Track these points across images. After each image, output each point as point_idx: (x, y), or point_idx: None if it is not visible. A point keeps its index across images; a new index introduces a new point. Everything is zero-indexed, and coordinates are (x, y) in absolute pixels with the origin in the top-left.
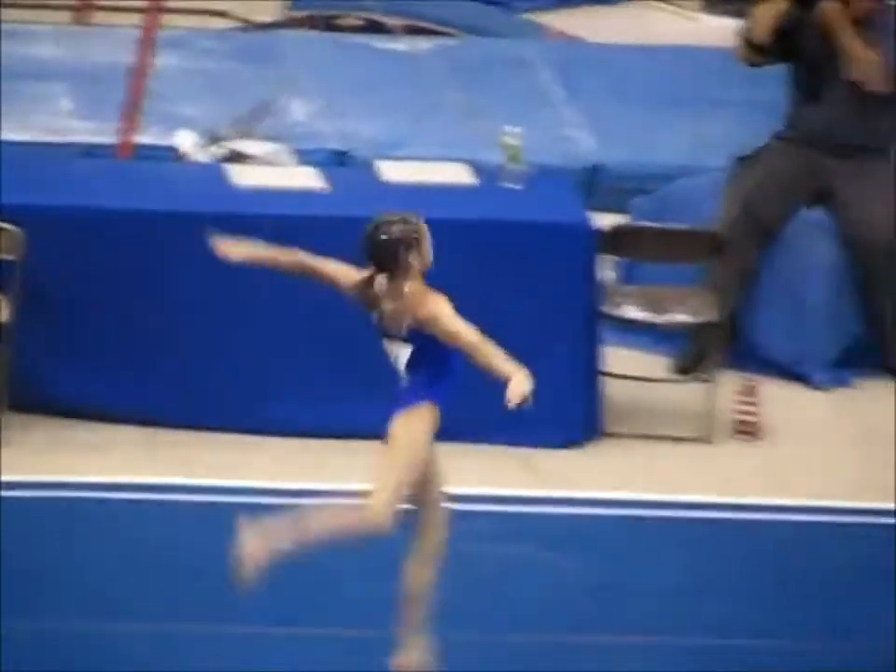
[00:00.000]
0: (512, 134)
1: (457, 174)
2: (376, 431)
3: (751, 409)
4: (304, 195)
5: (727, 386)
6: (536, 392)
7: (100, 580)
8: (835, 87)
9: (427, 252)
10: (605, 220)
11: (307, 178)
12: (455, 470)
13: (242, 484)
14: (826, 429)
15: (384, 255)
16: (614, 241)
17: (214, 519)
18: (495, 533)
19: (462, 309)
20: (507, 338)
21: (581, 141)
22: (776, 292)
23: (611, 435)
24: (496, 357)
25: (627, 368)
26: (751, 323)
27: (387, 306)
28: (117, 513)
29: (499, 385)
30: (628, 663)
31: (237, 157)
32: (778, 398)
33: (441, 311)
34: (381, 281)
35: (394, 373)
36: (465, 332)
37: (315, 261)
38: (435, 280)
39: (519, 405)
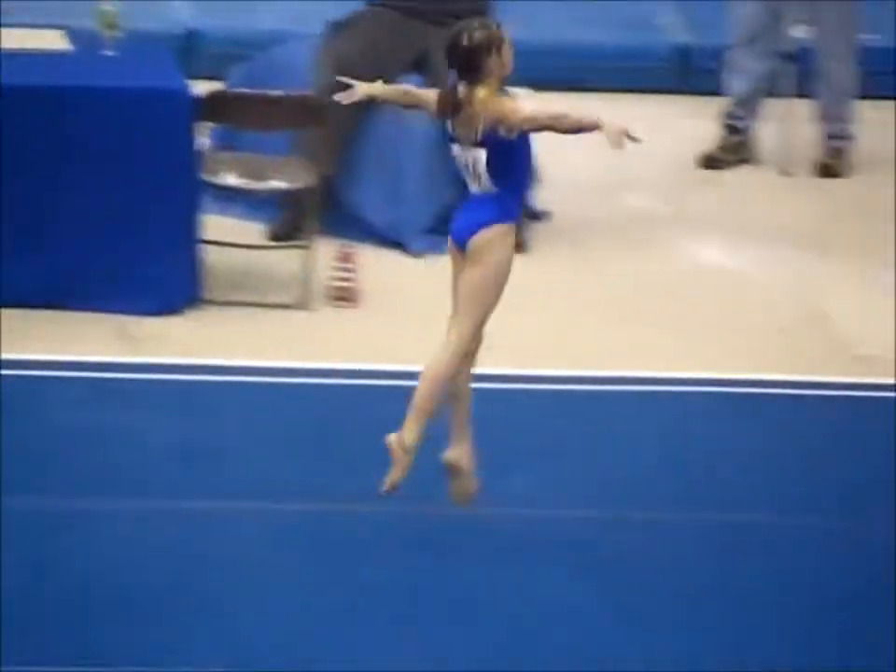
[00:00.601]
0: (108, 1)
1: (53, 40)
2: None
3: (348, 275)
4: None
5: (324, 253)
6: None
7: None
8: None
9: (508, 59)
10: (203, 87)
11: None
12: (52, 338)
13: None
14: (421, 296)
15: (465, 60)
16: (211, 107)
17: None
18: (90, 400)
19: (61, 176)
20: (107, 204)
21: (177, 7)
22: (373, 159)
23: (210, 302)
24: (576, 116)
25: (226, 235)
26: (349, 190)
27: (465, 111)
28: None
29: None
30: (227, 528)
31: None
32: (375, 264)
33: (513, 105)
34: (462, 87)
35: None
36: (537, 111)
37: (417, 91)
38: (26, 149)
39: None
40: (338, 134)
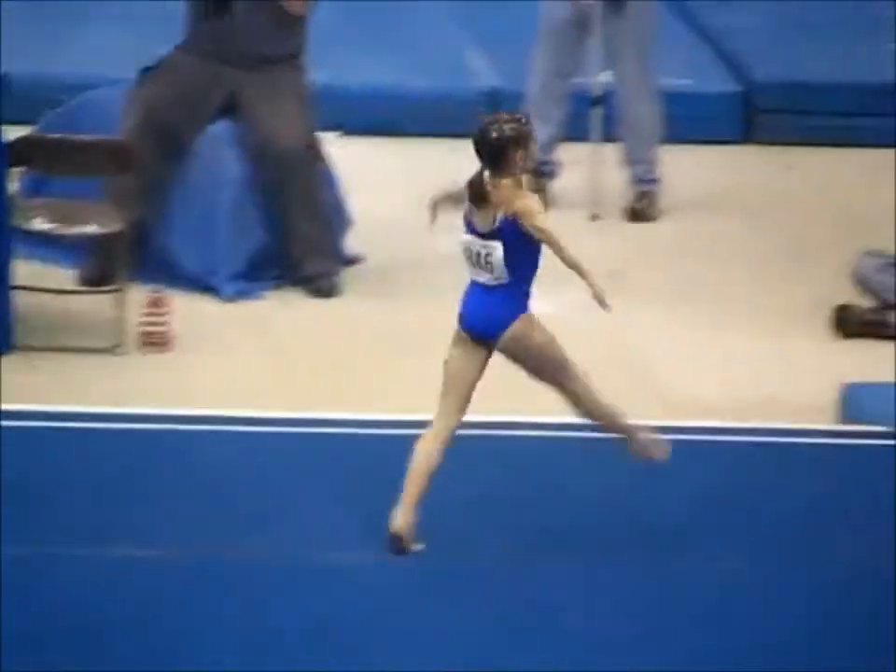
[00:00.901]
0: None
1: None
2: None
3: (160, 320)
4: None
5: (136, 298)
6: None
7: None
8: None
9: (533, 153)
10: (14, 132)
11: None
12: None
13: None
14: (234, 341)
15: (493, 152)
16: (21, 153)
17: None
18: None
19: None
20: None
21: None
22: (185, 204)
23: (23, 348)
24: (580, 264)
25: (37, 280)
26: (161, 235)
27: (487, 201)
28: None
29: None
30: (75, 572)
31: None
32: (188, 309)
33: (535, 207)
34: (487, 177)
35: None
36: (554, 231)
37: (458, 188)
38: None
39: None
40: (146, 179)
